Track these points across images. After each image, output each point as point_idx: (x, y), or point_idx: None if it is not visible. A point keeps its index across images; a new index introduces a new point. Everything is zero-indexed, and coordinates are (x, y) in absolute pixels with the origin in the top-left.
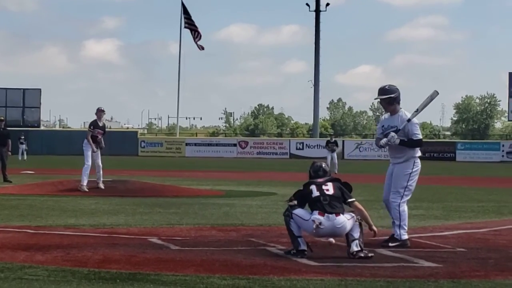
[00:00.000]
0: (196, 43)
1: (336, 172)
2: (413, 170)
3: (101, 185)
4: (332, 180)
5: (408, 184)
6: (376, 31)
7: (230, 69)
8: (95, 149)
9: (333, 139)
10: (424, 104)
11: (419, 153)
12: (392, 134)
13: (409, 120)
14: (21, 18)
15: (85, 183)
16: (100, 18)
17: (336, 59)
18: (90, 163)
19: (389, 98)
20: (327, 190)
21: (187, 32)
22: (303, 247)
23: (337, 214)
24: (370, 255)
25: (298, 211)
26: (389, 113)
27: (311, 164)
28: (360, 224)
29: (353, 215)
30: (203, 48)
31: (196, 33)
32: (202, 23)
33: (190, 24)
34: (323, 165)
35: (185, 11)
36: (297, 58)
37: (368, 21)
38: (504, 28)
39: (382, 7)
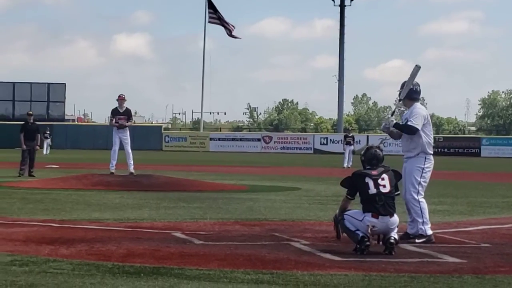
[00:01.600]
0: (231, 35)
1: (350, 167)
2: (425, 166)
3: (132, 170)
4: (387, 171)
5: (421, 180)
6: (408, 25)
7: (259, 64)
8: (114, 124)
9: (351, 133)
10: (409, 82)
11: (431, 150)
12: (388, 116)
13: (400, 100)
14: (53, 11)
15: (112, 164)
16: (131, 12)
17: (367, 53)
18: (116, 147)
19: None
20: (384, 186)
21: (213, 27)
22: (362, 234)
23: (391, 215)
24: (393, 253)
25: (349, 212)
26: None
27: (364, 150)
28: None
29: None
30: (235, 37)
31: (226, 27)
32: (234, 17)
33: (216, 18)
34: (378, 152)
35: (210, 5)
36: (328, 53)
37: (401, 14)
38: None
39: (415, 0)
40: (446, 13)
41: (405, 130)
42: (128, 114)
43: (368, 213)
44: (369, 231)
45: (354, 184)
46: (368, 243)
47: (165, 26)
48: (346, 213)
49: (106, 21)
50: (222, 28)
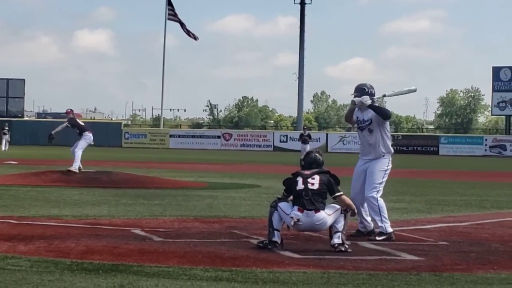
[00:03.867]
0: (187, 33)
1: None
2: (388, 167)
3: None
4: (320, 172)
5: (383, 180)
6: (371, 23)
7: (222, 61)
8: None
9: (307, 132)
10: (398, 93)
11: (392, 151)
12: (367, 96)
13: (384, 95)
14: (15, 8)
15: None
16: (94, 9)
17: (329, 51)
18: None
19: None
20: (312, 184)
21: (176, 24)
22: (276, 239)
23: (317, 210)
24: (349, 250)
25: (283, 204)
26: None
27: (305, 155)
28: (345, 217)
29: (338, 207)
30: (194, 38)
31: (182, 25)
32: (197, 14)
33: (174, 15)
34: (317, 157)
35: (169, 2)
36: (290, 50)
37: (363, 13)
38: (496, 22)
39: None
40: (408, 12)
41: (381, 112)
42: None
43: (295, 207)
44: (292, 224)
45: (289, 183)
46: (277, 245)
47: (127, 22)
48: (280, 204)
49: (68, 17)
50: (181, 25)
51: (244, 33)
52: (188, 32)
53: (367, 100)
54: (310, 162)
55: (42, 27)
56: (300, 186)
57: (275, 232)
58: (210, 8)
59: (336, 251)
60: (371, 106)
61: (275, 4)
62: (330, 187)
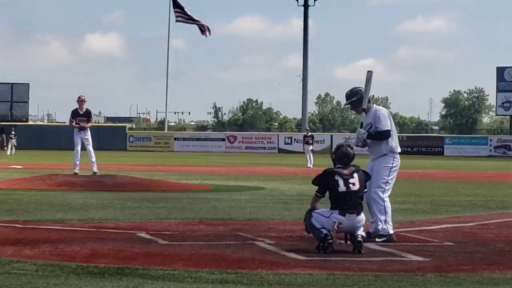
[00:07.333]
0: (201, 29)
1: (311, 167)
2: (393, 165)
3: (95, 169)
4: (357, 171)
5: (389, 178)
6: (378, 25)
7: (233, 63)
8: (74, 126)
9: (309, 133)
10: (366, 89)
11: (398, 149)
12: (359, 130)
13: (364, 110)
14: (24, 12)
15: (76, 165)
16: (104, 13)
17: (338, 52)
18: (78, 147)
19: (351, 102)
20: (353, 184)
21: (185, 27)
22: (326, 231)
23: (358, 214)
24: (362, 251)
25: (318, 210)
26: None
27: (335, 148)
28: None
29: None
30: (204, 32)
31: (196, 22)
32: (207, 17)
33: (184, 17)
34: (349, 151)
35: (177, 5)
36: (300, 53)
37: (373, 13)
38: (499, 22)
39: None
40: (422, 13)
41: (379, 137)
42: (88, 115)
43: (336, 210)
44: (335, 227)
45: (324, 182)
46: (331, 241)
47: (137, 26)
48: (315, 211)
49: (77, 21)
50: (194, 26)
51: (256, 36)
52: (202, 27)
53: (363, 135)
54: (341, 156)
55: (51, 31)
56: (342, 188)
57: (322, 229)
58: (221, 11)
59: (356, 243)
60: (369, 137)
61: (288, 6)
62: (365, 184)
